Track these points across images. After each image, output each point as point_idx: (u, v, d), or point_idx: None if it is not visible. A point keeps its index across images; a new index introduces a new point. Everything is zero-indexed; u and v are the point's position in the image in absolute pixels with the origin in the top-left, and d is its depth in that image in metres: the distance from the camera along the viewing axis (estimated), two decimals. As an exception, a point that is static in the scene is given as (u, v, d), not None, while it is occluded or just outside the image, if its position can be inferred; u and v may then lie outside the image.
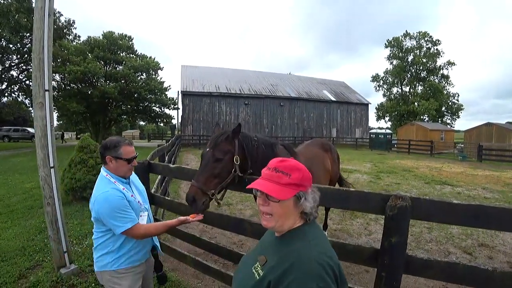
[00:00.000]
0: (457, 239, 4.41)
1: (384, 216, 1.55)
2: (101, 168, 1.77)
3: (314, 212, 0.97)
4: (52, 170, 2.88)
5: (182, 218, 1.79)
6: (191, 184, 1.84)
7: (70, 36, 26.62)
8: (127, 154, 1.70)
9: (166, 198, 3.17)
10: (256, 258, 0.99)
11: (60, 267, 3.04)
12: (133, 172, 1.94)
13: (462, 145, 22.86)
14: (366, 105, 33.43)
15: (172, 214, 4.82)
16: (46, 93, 2.77)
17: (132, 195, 1.75)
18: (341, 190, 1.70)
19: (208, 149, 1.93)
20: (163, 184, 4.97)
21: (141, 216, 1.78)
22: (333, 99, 31.23)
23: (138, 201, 1.80)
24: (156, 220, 3.15)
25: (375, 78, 47.05)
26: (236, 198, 6.54)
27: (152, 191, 3.26)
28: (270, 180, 0.95)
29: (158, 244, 1.97)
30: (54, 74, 24.33)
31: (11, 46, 20.74)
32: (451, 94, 42.15)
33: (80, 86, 24.58)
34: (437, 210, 1.49)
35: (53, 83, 25.08)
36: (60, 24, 24.58)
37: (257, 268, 0.94)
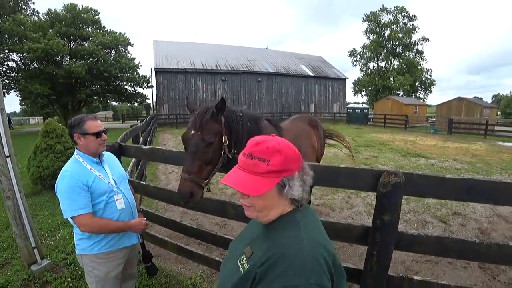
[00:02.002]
0: (433, 208, 4.61)
1: (376, 193, 1.46)
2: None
3: (305, 196, 0.83)
4: (8, 159, 2.56)
5: (138, 219, 1.77)
6: (182, 178, 1.61)
7: (28, 12, 24.05)
8: (92, 128, 1.64)
9: (141, 182, 2.96)
10: (242, 249, 0.88)
11: (30, 264, 2.81)
12: (110, 154, 1.96)
13: (434, 119, 23.88)
14: (343, 80, 33.65)
15: (148, 200, 4.64)
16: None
17: (100, 175, 1.65)
18: (330, 167, 1.59)
19: (193, 132, 1.66)
20: (139, 166, 4.71)
21: (116, 200, 1.69)
22: (311, 74, 31.04)
23: (109, 182, 1.68)
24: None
25: (352, 53, 47.15)
26: (217, 177, 6.40)
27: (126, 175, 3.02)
28: (245, 169, 0.80)
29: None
30: (11, 53, 22.11)
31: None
32: (425, 70, 43.34)
33: (42, 66, 22.56)
34: (430, 185, 1.43)
35: (12, 63, 22.87)
36: (14, -5, 22.09)
37: (242, 261, 0.83)
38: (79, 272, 2.77)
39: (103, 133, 1.68)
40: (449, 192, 1.42)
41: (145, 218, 1.86)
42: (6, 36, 20.65)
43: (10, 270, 2.88)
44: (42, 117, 41.73)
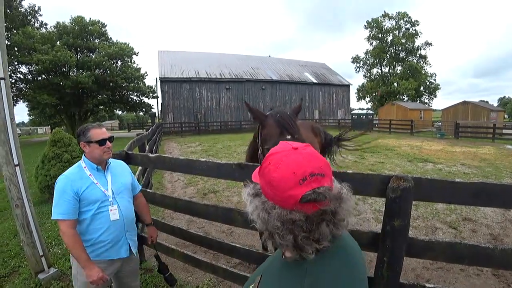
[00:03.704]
0: (442, 214, 4.52)
1: (385, 199, 1.44)
2: None
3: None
4: (17, 168, 2.59)
5: (98, 270, 1.59)
6: None
7: (36, 24, 24.73)
8: (96, 136, 1.67)
9: (148, 190, 2.97)
10: (258, 274, 0.78)
11: (38, 272, 2.81)
12: (122, 162, 2.00)
13: (440, 123, 23.67)
14: (347, 86, 33.72)
15: (155, 208, 4.64)
16: (2, 81, 2.44)
17: (97, 183, 1.68)
18: (337, 173, 1.57)
19: (288, 137, 1.43)
20: (145, 175, 4.73)
21: (110, 210, 1.69)
22: (314, 81, 31.22)
23: (105, 191, 1.69)
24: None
25: (355, 59, 47.31)
26: (222, 184, 6.40)
27: (133, 184, 3.04)
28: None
29: (132, 243, 1.85)
30: (20, 65, 22.65)
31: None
32: (429, 74, 43.20)
33: (50, 77, 23.05)
34: (439, 189, 1.41)
35: (20, 75, 23.37)
36: (23, 9, 22.72)
37: None
38: (86, 281, 2.76)
39: (107, 141, 1.70)
40: (459, 197, 1.39)
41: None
42: (16, 48, 21.21)
43: (17, 278, 2.89)
44: (49, 126, 42.46)
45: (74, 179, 1.62)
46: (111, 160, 1.85)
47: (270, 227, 0.61)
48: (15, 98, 23.58)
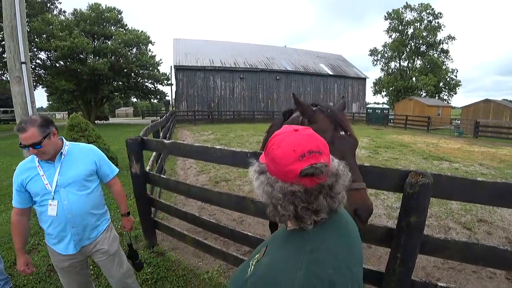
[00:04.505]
0: (457, 214, 4.41)
1: (402, 194, 1.42)
2: None
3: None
4: (38, 150, 2.68)
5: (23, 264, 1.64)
6: (365, 189, 1.26)
7: (55, 11, 25.17)
8: (20, 139, 1.51)
9: (162, 176, 3.02)
10: (263, 246, 0.81)
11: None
12: (86, 148, 1.81)
13: (459, 121, 22.88)
14: (363, 79, 32.88)
15: (168, 193, 4.74)
16: (23, 65, 2.50)
17: (43, 175, 1.59)
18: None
19: (343, 133, 1.35)
20: (159, 161, 4.82)
21: (50, 205, 1.58)
22: (330, 73, 30.55)
23: (47, 184, 1.58)
24: (147, 200, 3.03)
25: (373, 52, 45.97)
26: (234, 173, 6.45)
27: (147, 169, 3.10)
28: None
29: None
30: (39, 51, 23.22)
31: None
32: (450, 70, 41.56)
33: (68, 63, 23.56)
34: (459, 187, 1.37)
35: (39, 61, 23.98)
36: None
37: (253, 261, 0.76)
38: (101, 260, 2.87)
39: (30, 148, 1.49)
40: (481, 196, 1.35)
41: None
42: (35, 35, 21.72)
43: (36, 255, 3.03)
44: (67, 112, 43.73)
45: (21, 170, 1.59)
46: (75, 146, 1.76)
47: (274, 199, 0.68)
48: (34, 84, 24.28)
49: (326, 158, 0.68)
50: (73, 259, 1.73)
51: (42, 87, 26.30)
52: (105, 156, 1.89)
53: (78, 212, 1.66)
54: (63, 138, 1.73)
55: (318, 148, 0.67)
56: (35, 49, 22.65)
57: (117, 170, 1.96)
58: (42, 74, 24.58)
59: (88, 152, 1.79)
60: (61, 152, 1.65)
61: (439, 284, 1.56)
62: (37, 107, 2.85)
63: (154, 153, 4.24)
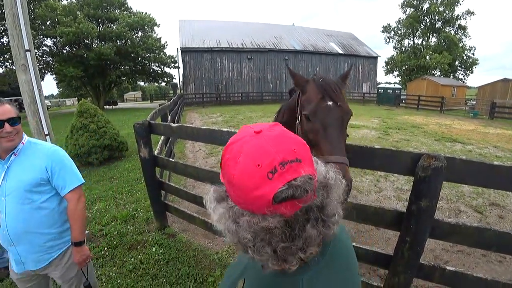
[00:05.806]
0: (468, 197, 4.34)
1: (413, 178, 1.38)
2: None
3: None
4: (48, 137, 2.72)
5: None
6: (343, 163, 1.09)
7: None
8: None
9: (170, 160, 3.05)
10: (237, 277, 0.63)
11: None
12: (45, 147, 1.45)
13: (474, 102, 22.05)
14: (375, 58, 31.83)
15: (177, 176, 4.81)
16: (28, 53, 2.48)
17: None
18: (365, 148, 1.50)
19: (330, 103, 1.23)
20: (168, 145, 4.86)
21: None
22: (340, 52, 29.62)
23: None
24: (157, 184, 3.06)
25: (386, 28, 44.02)
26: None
27: (156, 152, 3.13)
28: None
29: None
30: (45, 38, 23.17)
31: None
32: (467, 48, 39.58)
33: (75, 49, 23.52)
34: (474, 172, 1.31)
35: (46, 48, 23.95)
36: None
37: None
38: (114, 242, 2.98)
39: (5, 123, 1.24)
40: (497, 181, 1.30)
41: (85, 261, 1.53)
42: (39, 22, 21.59)
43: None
44: (76, 98, 44.21)
45: None
46: (32, 145, 1.42)
47: (242, 240, 0.47)
48: (43, 71, 24.48)
49: (309, 167, 0.46)
50: (22, 277, 1.46)
51: (51, 75, 26.47)
52: (69, 163, 1.49)
53: (17, 230, 1.33)
54: (24, 134, 1.43)
55: (293, 154, 0.45)
56: (41, 36, 22.58)
57: (80, 182, 1.51)
58: (50, 62, 24.67)
59: (41, 155, 1.40)
60: (13, 151, 1.34)
61: (448, 267, 1.55)
62: (47, 94, 2.89)
63: (162, 137, 4.26)
